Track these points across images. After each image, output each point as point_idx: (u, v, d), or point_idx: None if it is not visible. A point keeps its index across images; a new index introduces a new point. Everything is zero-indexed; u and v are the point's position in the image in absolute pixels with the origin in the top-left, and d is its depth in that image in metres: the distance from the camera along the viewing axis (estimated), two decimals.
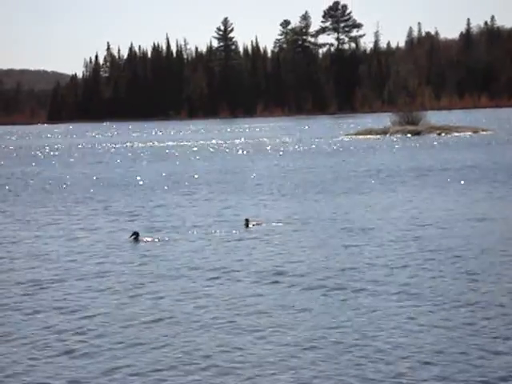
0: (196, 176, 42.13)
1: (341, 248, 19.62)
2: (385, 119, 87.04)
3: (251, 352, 11.58)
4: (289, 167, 46.19)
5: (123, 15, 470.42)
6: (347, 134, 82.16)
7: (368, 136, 78.52)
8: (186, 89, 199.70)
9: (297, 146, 68.12)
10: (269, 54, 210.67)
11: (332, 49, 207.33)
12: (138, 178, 42.18)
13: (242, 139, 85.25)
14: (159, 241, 21.38)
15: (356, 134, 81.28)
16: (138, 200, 31.85)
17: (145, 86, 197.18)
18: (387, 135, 78.01)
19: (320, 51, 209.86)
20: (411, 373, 10.44)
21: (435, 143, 64.31)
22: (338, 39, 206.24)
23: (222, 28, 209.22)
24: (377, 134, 79.81)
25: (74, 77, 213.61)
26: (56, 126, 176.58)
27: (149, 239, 21.47)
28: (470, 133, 77.16)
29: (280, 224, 23.54)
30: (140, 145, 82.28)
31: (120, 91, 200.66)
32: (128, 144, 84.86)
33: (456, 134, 75.95)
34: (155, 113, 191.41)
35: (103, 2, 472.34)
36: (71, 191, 36.45)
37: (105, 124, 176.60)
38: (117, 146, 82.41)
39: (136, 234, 21.56)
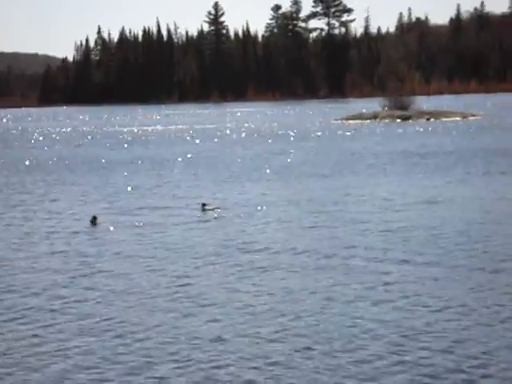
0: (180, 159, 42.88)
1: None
2: (375, 104, 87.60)
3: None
4: (274, 152, 46.67)
5: None
6: (337, 119, 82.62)
7: (358, 121, 79.03)
8: (176, 73, 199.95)
9: (286, 131, 68.66)
10: (259, 39, 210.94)
11: (323, 34, 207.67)
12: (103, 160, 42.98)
13: (233, 123, 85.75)
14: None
15: (346, 119, 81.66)
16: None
17: (135, 70, 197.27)
18: (377, 120, 78.69)
19: (310, 36, 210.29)
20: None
21: (421, 129, 65.04)
22: (328, 24, 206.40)
23: (213, 12, 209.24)
24: (367, 118, 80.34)
25: (65, 60, 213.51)
26: (46, 110, 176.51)
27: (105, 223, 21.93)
28: (458, 118, 77.91)
29: (242, 208, 24.24)
30: (123, 129, 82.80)
31: (111, 75, 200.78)
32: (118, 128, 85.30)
33: (445, 120, 76.65)
34: (146, 97, 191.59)
35: None
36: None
37: (95, 108, 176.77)
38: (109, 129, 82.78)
39: (94, 218, 22.12)
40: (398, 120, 77.58)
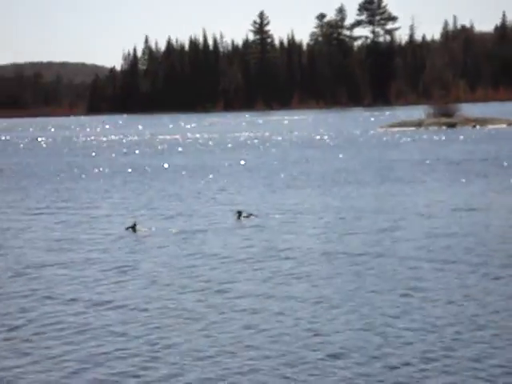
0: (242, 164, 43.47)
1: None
2: (420, 112, 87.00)
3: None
4: (315, 159, 46.87)
5: (161, 8, 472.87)
6: (382, 127, 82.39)
7: (402, 128, 78.71)
8: (222, 82, 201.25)
9: (331, 139, 68.80)
10: (304, 47, 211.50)
11: (367, 42, 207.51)
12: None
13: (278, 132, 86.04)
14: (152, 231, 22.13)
15: (390, 127, 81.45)
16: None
17: (182, 79, 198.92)
18: (422, 127, 78.53)
19: (355, 44, 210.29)
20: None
21: (467, 136, 64.51)
22: (373, 32, 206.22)
23: (258, 21, 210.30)
24: (411, 126, 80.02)
25: (113, 69, 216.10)
26: (94, 118, 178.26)
27: (144, 229, 22.00)
28: (504, 125, 77.37)
29: (279, 215, 24.30)
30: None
31: (157, 84, 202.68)
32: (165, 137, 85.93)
33: (491, 127, 76.17)
34: (192, 106, 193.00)
35: None
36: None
37: (143, 116, 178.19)
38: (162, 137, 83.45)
39: (133, 225, 22.07)
40: (444, 127, 77.37)
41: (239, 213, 23.73)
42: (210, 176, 38.67)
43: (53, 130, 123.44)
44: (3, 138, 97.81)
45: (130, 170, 43.83)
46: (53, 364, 11.24)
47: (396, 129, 79.25)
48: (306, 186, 32.61)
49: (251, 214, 23.87)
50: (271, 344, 11.73)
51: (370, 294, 14.47)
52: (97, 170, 44.71)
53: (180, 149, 62.99)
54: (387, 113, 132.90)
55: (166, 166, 46.25)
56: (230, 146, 64.97)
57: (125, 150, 63.42)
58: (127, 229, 22.11)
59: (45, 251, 19.85)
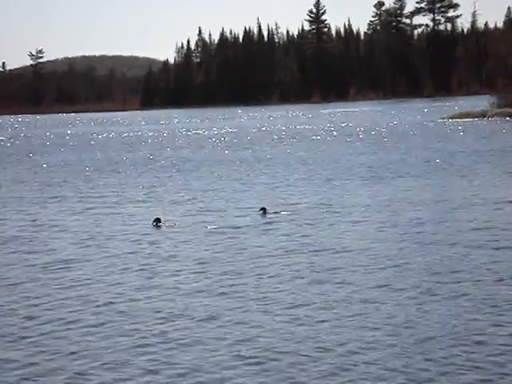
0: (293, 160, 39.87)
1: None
2: (483, 102, 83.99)
3: None
4: (365, 152, 44.24)
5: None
6: (443, 118, 79.17)
7: (465, 119, 75.22)
8: (277, 73, 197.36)
9: (390, 130, 65.22)
10: (361, 37, 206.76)
11: (427, 30, 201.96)
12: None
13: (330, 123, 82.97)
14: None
15: (452, 118, 78.02)
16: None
17: (236, 71, 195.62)
18: (485, 118, 74.59)
19: (415, 32, 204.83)
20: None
21: None
22: (433, 20, 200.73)
23: (314, 11, 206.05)
24: (474, 117, 76.67)
25: (166, 62, 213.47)
26: (147, 113, 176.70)
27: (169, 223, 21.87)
28: None
29: (311, 210, 23.50)
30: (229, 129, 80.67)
31: (211, 76, 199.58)
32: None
33: None
34: (246, 98, 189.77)
35: None
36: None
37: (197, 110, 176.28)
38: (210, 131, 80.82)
39: (157, 220, 21.93)
40: (508, 118, 73.10)
41: (263, 209, 23.18)
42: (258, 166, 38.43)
43: (102, 124, 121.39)
44: (64, 132, 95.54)
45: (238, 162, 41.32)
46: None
47: (458, 120, 75.34)
48: (350, 180, 31.21)
49: (278, 211, 23.19)
50: (302, 344, 11.03)
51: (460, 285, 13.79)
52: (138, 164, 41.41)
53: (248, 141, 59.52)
54: (448, 103, 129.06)
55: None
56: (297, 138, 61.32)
57: (175, 144, 60.17)
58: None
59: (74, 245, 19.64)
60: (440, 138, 53.65)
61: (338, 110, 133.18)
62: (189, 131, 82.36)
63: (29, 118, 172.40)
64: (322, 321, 12.07)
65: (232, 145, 57.57)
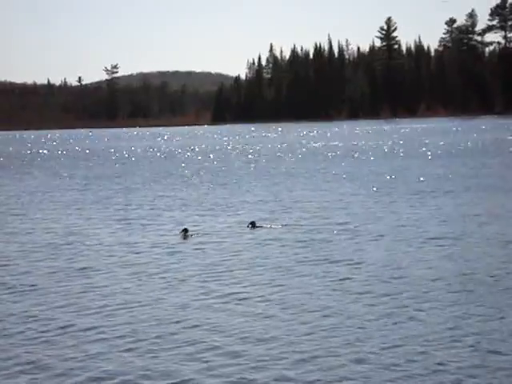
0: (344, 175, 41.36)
1: None
2: None
3: None
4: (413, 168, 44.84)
5: (286, 16, 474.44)
6: None
7: None
8: (347, 89, 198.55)
9: (457, 147, 65.72)
10: (432, 53, 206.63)
11: (499, 47, 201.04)
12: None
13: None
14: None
15: None
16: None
17: (306, 87, 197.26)
18: None
19: (486, 50, 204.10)
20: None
21: None
22: (505, 37, 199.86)
23: (385, 27, 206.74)
24: None
25: (238, 78, 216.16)
26: (219, 128, 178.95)
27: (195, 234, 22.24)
28: None
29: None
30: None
31: (282, 92, 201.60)
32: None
33: None
34: (316, 114, 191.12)
35: (266, 3, 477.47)
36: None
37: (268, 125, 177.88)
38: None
39: (185, 230, 22.14)
40: None
41: (252, 223, 23.70)
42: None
43: (178, 138, 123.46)
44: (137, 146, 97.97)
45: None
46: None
47: None
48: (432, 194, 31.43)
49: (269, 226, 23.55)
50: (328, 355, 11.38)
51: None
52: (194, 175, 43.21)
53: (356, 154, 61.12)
54: None
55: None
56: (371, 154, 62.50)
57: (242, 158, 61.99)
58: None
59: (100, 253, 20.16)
60: (502, 156, 53.62)
61: (405, 126, 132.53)
62: (304, 143, 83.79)
63: (105, 132, 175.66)
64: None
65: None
